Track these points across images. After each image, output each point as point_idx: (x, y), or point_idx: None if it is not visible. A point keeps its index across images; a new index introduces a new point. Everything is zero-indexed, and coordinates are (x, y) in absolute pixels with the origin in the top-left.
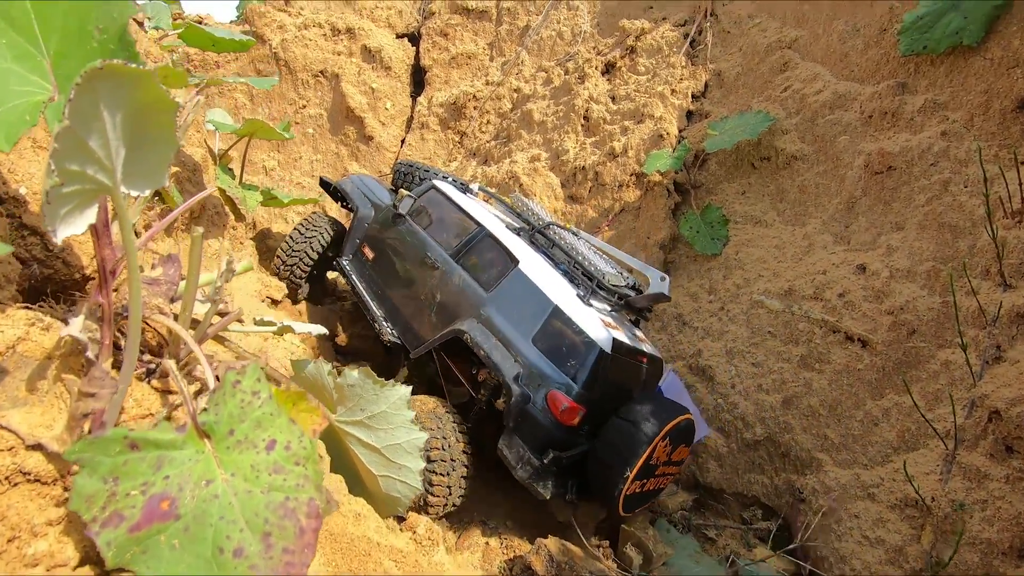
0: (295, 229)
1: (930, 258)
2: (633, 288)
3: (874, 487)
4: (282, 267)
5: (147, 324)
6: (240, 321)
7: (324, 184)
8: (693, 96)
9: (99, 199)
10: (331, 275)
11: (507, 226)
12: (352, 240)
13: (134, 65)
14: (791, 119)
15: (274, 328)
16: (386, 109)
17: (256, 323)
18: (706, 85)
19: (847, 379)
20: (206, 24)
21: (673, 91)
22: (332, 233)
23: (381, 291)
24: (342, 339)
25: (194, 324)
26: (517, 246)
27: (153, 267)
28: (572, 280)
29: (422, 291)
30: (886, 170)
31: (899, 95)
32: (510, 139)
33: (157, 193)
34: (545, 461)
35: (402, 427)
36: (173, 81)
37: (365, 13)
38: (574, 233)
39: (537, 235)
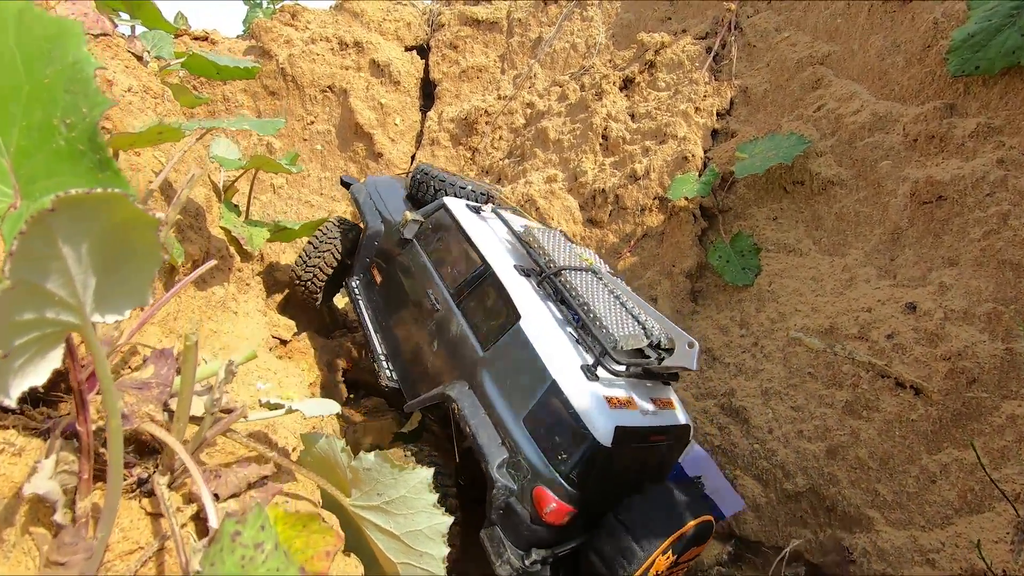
0: (308, 242)
1: (990, 298)
2: (657, 346)
3: (934, 552)
4: (298, 283)
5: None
6: (244, 417)
7: (345, 184)
8: (718, 114)
9: (65, 336)
10: (340, 301)
11: (518, 263)
12: (362, 259)
13: (100, 190)
14: (826, 141)
15: (281, 412)
16: (395, 125)
17: (262, 405)
18: (731, 102)
19: (899, 430)
20: (212, 40)
21: (697, 109)
22: (347, 241)
23: (386, 323)
24: (350, 372)
25: (194, 419)
26: (523, 294)
27: (144, 363)
28: (582, 340)
29: (422, 333)
30: (935, 199)
31: (947, 118)
32: (524, 157)
33: None
34: (528, 563)
35: (423, 512)
36: (182, 100)
37: (373, 26)
38: (594, 273)
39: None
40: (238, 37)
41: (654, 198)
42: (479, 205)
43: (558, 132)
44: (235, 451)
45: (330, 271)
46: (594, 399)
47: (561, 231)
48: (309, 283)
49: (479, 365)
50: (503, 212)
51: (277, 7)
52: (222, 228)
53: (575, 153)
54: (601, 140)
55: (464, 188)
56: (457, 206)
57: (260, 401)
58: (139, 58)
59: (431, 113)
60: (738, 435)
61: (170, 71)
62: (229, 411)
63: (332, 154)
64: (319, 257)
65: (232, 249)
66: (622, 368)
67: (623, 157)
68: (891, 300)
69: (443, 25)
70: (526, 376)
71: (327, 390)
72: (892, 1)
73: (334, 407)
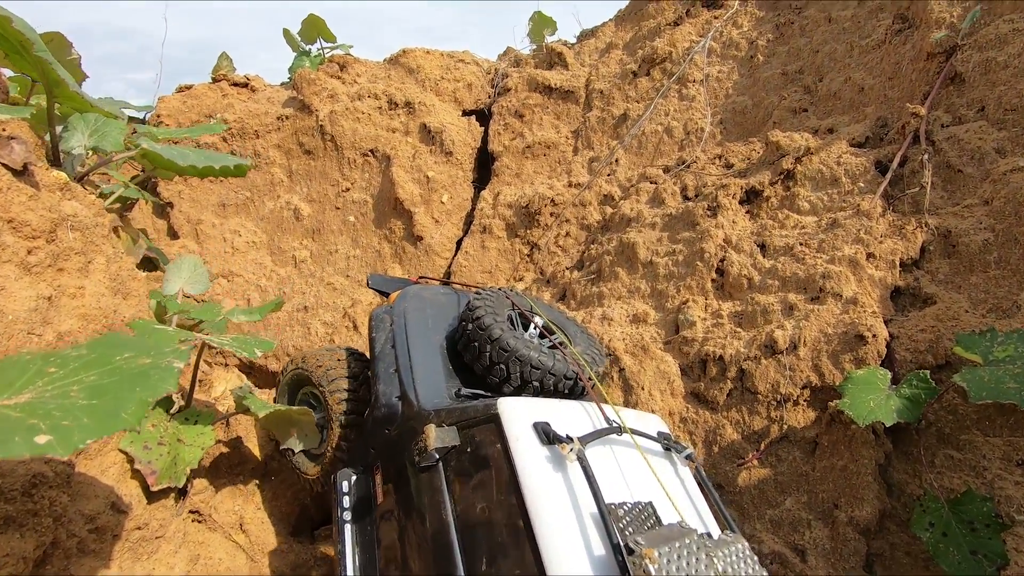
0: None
1: None
2: None
3: None
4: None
5: None
6: None
7: (375, 289)
8: (902, 265)
9: None
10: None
11: None
12: (362, 449)
13: None
14: None
15: None
16: (442, 203)
17: None
18: (923, 249)
19: None
20: (252, 88)
21: (870, 255)
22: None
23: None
24: None
25: None
26: None
27: None
28: None
29: None
30: None
31: None
32: (601, 275)
33: None
34: None
35: None
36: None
37: (429, 85)
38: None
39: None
40: (282, 84)
41: (804, 386)
42: (559, 435)
43: (651, 251)
44: None
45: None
46: None
47: (686, 453)
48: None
49: None
50: (598, 445)
51: (327, 55)
52: (121, 451)
53: (675, 286)
54: (715, 275)
55: (551, 369)
56: (520, 428)
57: None
58: (55, 162)
59: (485, 193)
60: None
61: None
62: None
63: (366, 229)
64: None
65: (128, 496)
66: None
67: (750, 309)
68: None
69: (509, 90)
70: None
71: None
72: None
73: None
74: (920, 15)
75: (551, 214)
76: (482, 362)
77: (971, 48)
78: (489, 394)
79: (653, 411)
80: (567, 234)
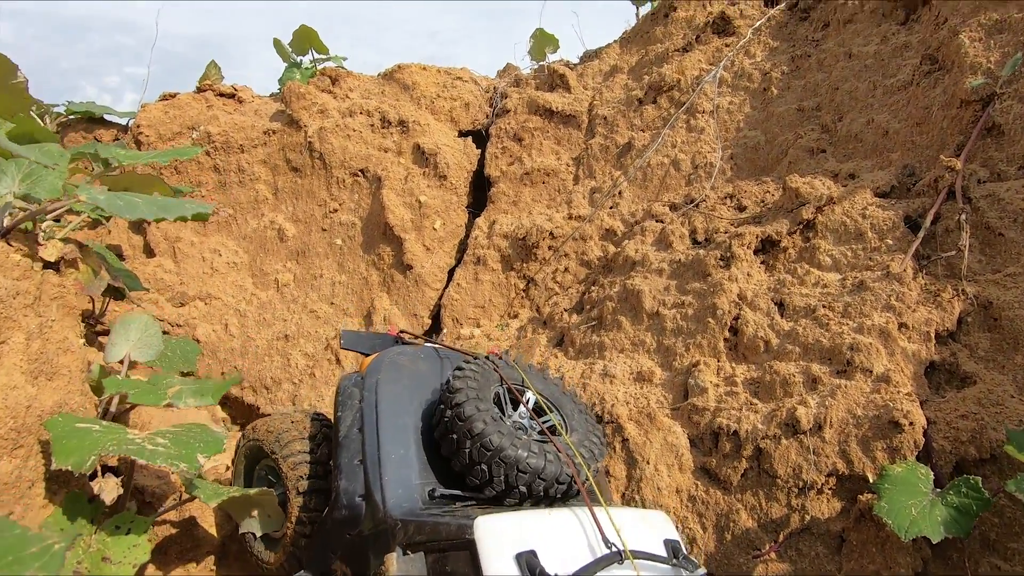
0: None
1: None
2: None
3: None
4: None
5: None
6: None
7: (346, 345)
8: (938, 337)
9: None
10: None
11: None
12: (321, 551)
13: None
14: None
15: None
16: (434, 229)
17: None
18: (960, 321)
19: None
20: (239, 99)
21: (902, 325)
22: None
23: None
24: None
25: None
26: None
27: None
28: None
29: None
30: None
31: None
32: (603, 323)
33: None
34: None
35: None
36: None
37: (424, 103)
38: None
39: None
40: (271, 96)
41: (829, 473)
42: (547, 574)
43: (657, 300)
44: None
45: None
46: None
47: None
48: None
49: None
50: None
51: (319, 67)
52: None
53: (684, 343)
54: (728, 335)
55: (541, 473)
56: (500, 563)
57: None
58: None
59: (480, 220)
60: None
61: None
62: None
63: (353, 253)
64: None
65: None
66: None
67: (768, 378)
68: None
69: (508, 111)
70: None
71: None
72: None
73: None
74: (951, 57)
75: (549, 247)
76: (461, 459)
77: (1011, 98)
78: (468, 497)
79: (659, 488)
80: (566, 269)
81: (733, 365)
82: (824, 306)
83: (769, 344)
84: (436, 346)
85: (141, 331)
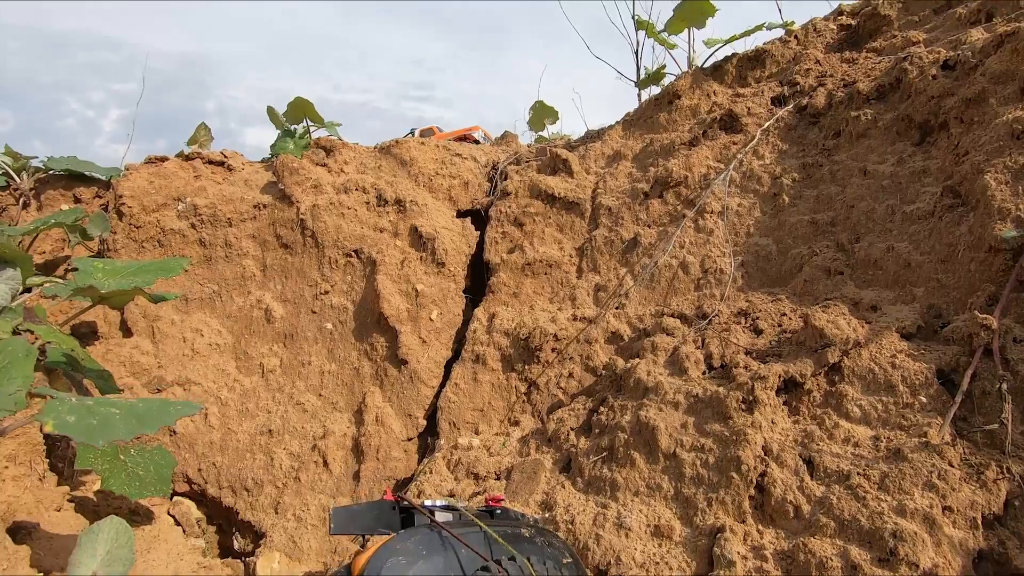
0: None
1: None
2: None
3: None
4: None
5: None
6: None
7: (335, 528)
8: (984, 521)
9: None
10: None
11: None
12: None
13: None
14: None
15: None
16: (431, 320)
17: None
18: (1007, 503)
19: None
20: (228, 167)
21: (946, 508)
22: None
23: None
24: None
25: None
26: None
27: None
28: None
29: None
30: None
31: None
32: (615, 456)
33: None
34: None
35: None
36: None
37: (422, 180)
38: None
39: None
40: (262, 162)
41: None
42: None
43: (674, 439)
44: None
45: None
46: None
47: None
48: None
49: None
50: None
51: (312, 137)
52: None
53: (705, 496)
54: (754, 493)
55: None
56: None
57: None
58: None
59: (479, 312)
60: None
61: None
62: None
63: (344, 340)
64: None
65: None
66: None
67: (803, 557)
68: None
69: (508, 194)
70: None
71: None
72: None
73: None
74: (976, 196)
75: (553, 350)
76: None
77: None
78: None
79: None
80: (570, 375)
81: (761, 529)
82: (859, 473)
83: (800, 510)
84: (436, 524)
85: (111, 542)
